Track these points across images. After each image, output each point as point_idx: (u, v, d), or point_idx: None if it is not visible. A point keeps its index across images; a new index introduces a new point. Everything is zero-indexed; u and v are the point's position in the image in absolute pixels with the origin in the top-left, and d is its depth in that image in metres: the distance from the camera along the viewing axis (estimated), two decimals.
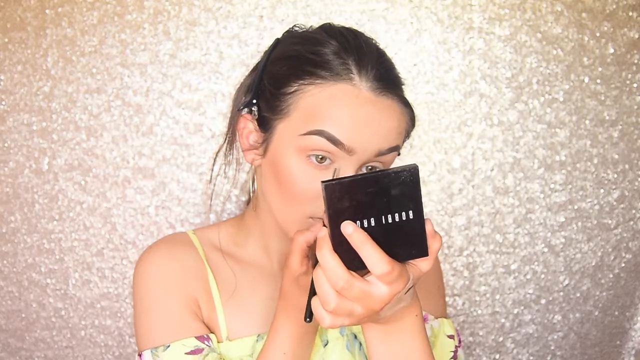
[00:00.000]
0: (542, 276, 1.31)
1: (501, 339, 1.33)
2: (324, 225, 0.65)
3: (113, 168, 1.21)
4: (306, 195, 0.76)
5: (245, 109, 0.83)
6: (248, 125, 0.83)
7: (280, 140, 0.78)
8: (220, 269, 0.89)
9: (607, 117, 1.26)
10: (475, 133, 1.24)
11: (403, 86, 0.82)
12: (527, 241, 1.29)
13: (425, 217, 0.65)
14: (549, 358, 1.36)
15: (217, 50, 1.18)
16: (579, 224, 1.30)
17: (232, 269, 0.90)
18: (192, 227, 1.23)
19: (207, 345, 0.83)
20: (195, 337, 0.83)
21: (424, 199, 1.23)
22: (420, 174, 1.19)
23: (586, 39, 1.23)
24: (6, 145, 1.21)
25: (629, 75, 1.25)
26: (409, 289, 0.68)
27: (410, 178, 0.63)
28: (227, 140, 0.91)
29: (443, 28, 1.20)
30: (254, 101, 0.82)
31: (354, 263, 0.64)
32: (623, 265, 1.33)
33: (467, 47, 1.21)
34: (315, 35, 0.81)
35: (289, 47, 0.82)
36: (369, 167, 0.78)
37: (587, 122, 1.26)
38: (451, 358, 0.92)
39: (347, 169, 0.75)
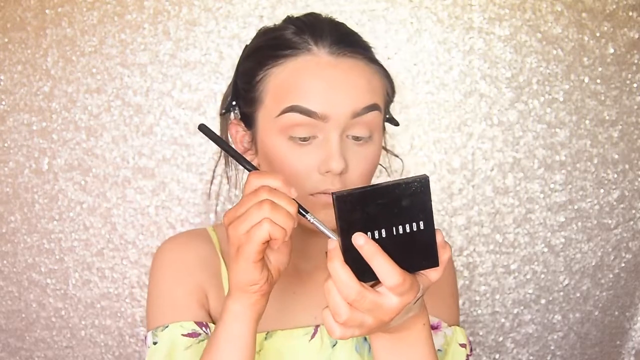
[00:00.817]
0: (542, 276, 1.31)
1: (501, 338, 1.33)
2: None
3: (113, 168, 1.21)
4: (299, 175, 0.77)
5: (230, 114, 0.86)
6: (239, 130, 0.85)
7: (262, 129, 0.80)
8: None
9: (607, 117, 1.26)
10: (475, 133, 1.24)
11: (372, 49, 0.83)
12: (527, 241, 1.29)
13: (436, 228, 0.65)
14: (549, 358, 1.36)
15: (217, 50, 1.18)
16: (579, 224, 1.30)
17: None
18: (192, 227, 1.23)
19: (204, 331, 0.84)
20: (195, 322, 0.84)
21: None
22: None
23: (586, 39, 1.23)
24: (6, 145, 1.21)
25: (629, 75, 1.25)
26: (418, 298, 0.67)
27: (420, 189, 0.63)
28: (221, 155, 0.94)
29: (443, 28, 1.20)
30: (234, 103, 0.85)
31: (365, 274, 0.63)
32: (623, 265, 1.33)
33: (467, 47, 1.21)
34: (275, 26, 0.84)
35: (253, 43, 0.85)
36: (354, 137, 0.77)
37: (587, 122, 1.26)
38: None
39: (330, 139, 0.76)
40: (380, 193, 0.62)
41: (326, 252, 0.65)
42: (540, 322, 1.33)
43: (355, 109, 0.76)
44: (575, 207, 1.29)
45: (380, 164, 1.02)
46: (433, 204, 0.67)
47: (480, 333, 1.32)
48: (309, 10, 1.17)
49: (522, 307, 1.32)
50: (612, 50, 1.24)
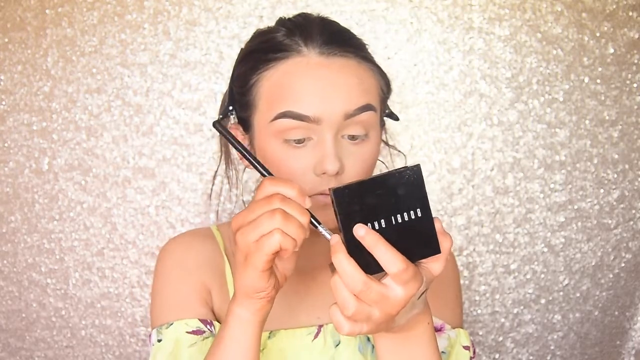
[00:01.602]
0: (542, 276, 1.31)
1: (501, 338, 1.33)
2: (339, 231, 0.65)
3: (113, 168, 1.21)
4: (295, 177, 0.77)
5: (229, 119, 0.86)
6: (237, 134, 0.85)
7: (258, 133, 0.80)
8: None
9: (607, 117, 1.26)
10: (475, 133, 1.24)
11: (367, 47, 0.83)
12: (527, 241, 1.29)
13: (434, 216, 0.66)
14: (548, 358, 1.36)
15: (217, 50, 1.18)
16: (579, 224, 1.30)
17: None
18: (192, 227, 1.23)
19: (209, 329, 0.84)
20: (199, 320, 0.84)
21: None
22: None
23: (586, 39, 1.23)
24: (6, 145, 1.21)
25: (629, 75, 1.25)
26: (422, 293, 0.67)
27: (413, 177, 0.64)
28: (221, 157, 0.95)
29: (443, 28, 1.20)
30: (230, 107, 0.85)
31: (369, 267, 0.64)
32: (623, 265, 1.33)
33: (467, 47, 1.21)
34: (267, 29, 0.84)
35: (246, 46, 0.85)
36: (350, 136, 0.77)
37: (587, 122, 1.26)
38: None
39: (324, 141, 0.76)
40: (375, 184, 0.64)
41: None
42: (540, 322, 1.33)
43: (348, 110, 0.76)
44: (575, 207, 1.29)
45: (381, 160, 1.02)
46: (431, 202, 0.68)
47: (480, 333, 1.32)
48: (309, 11, 1.17)
49: (522, 307, 1.32)
50: (612, 50, 1.24)
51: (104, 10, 1.16)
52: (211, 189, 1.20)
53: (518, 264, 1.30)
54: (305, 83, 0.76)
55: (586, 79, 1.24)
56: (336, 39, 0.78)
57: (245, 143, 0.84)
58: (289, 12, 1.17)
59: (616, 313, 1.36)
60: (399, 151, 1.04)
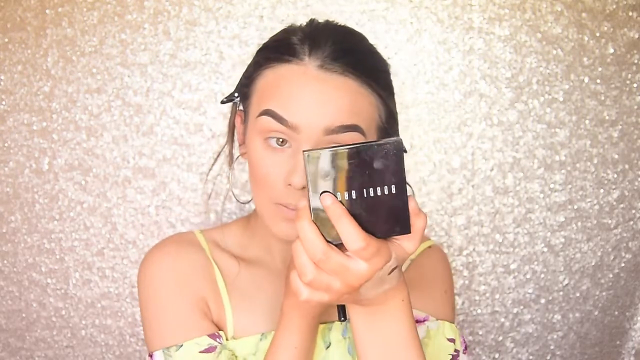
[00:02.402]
0: (542, 276, 1.31)
1: (501, 338, 1.33)
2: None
3: (113, 168, 1.21)
4: (267, 181, 0.77)
5: (237, 106, 0.87)
6: (239, 121, 0.87)
7: (248, 127, 0.81)
8: (227, 269, 0.90)
9: (607, 117, 1.26)
10: (475, 133, 1.24)
11: (386, 73, 0.82)
12: (527, 241, 1.29)
13: (409, 194, 0.64)
14: (548, 358, 1.36)
15: (217, 50, 1.18)
16: (579, 223, 1.30)
17: (238, 268, 0.90)
18: (192, 227, 1.23)
19: (219, 342, 0.84)
20: (208, 335, 0.83)
21: (424, 198, 1.23)
22: (420, 174, 1.19)
23: (586, 39, 1.23)
24: (6, 145, 1.21)
25: (629, 75, 1.25)
26: (393, 269, 0.66)
27: (393, 151, 0.62)
28: (227, 141, 0.94)
29: (443, 28, 1.20)
30: (236, 94, 0.86)
31: (332, 235, 0.63)
32: (623, 265, 1.33)
33: (467, 47, 1.21)
34: (290, 28, 0.83)
35: (267, 40, 0.85)
36: None
37: (587, 122, 1.26)
38: None
39: (298, 150, 0.75)
40: (351, 153, 0.62)
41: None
42: (540, 321, 1.33)
43: (329, 126, 0.74)
44: (575, 207, 1.29)
45: None
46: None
47: (480, 333, 1.32)
48: (309, 11, 1.18)
49: (521, 307, 1.32)
50: (612, 50, 1.24)
51: (104, 10, 1.16)
52: (207, 176, 1.19)
53: (518, 263, 1.30)
54: (294, 90, 0.75)
55: (586, 79, 1.24)
56: (345, 57, 0.77)
57: (241, 130, 0.86)
58: (289, 12, 1.17)
59: (616, 313, 1.36)
60: None
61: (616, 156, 1.28)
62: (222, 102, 0.88)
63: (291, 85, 0.76)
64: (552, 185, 1.27)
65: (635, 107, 1.27)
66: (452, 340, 0.90)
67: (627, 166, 1.29)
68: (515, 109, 1.24)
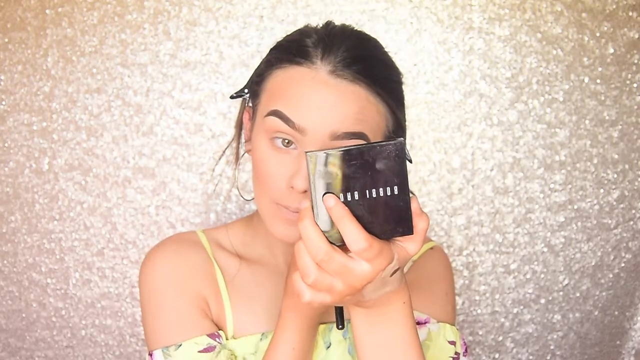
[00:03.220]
0: (542, 276, 1.31)
1: (501, 338, 1.33)
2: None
3: (113, 168, 1.21)
4: (271, 181, 0.77)
5: (246, 102, 0.87)
6: (247, 118, 0.87)
7: (256, 125, 0.81)
8: (228, 268, 0.90)
9: (607, 117, 1.26)
10: (475, 133, 1.24)
11: (399, 84, 0.81)
12: (527, 241, 1.29)
13: (411, 195, 0.64)
14: (548, 358, 1.36)
15: (217, 50, 1.18)
16: (579, 224, 1.30)
17: (239, 268, 0.90)
18: (192, 227, 1.23)
19: (218, 342, 0.84)
20: (207, 335, 0.84)
21: (424, 198, 1.23)
22: (420, 174, 1.19)
23: (586, 39, 1.23)
24: (6, 145, 1.21)
25: (629, 75, 1.25)
26: (395, 271, 0.66)
27: (395, 152, 0.62)
28: (223, 153, 0.96)
29: (443, 28, 1.20)
30: (245, 90, 0.85)
31: (334, 237, 0.63)
32: (623, 265, 1.33)
33: (467, 47, 1.21)
34: (308, 28, 0.83)
35: (283, 38, 0.85)
36: None
37: (587, 122, 1.26)
38: None
39: (303, 153, 0.75)
40: (354, 154, 0.62)
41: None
42: (540, 321, 1.33)
43: (335, 132, 0.74)
44: (575, 207, 1.29)
45: None
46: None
47: (480, 333, 1.32)
48: (309, 11, 1.18)
49: (521, 307, 1.32)
50: (612, 50, 1.24)
51: (104, 10, 1.16)
52: (213, 172, 1.20)
53: (518, 264, 1.30)
54: (303, 93, 0.75)
55: (586, 79, 1.24)
56: (354, 64, 0.76)
57: (248, 127, 0.86)
58: (289, 12, 1.17)
59: (616, 313, 1.36)
60: None
61: (616, 156, 1.28)
62: (232, 97, 0.87)
63: (300, 88, 0.76)
64: (552, 185, 1.27)
65: (635, 107, 1.27)
66: (453, 343, 0.90)
67: (627, 166, 1.29)
68: (515, 109, 1.24)
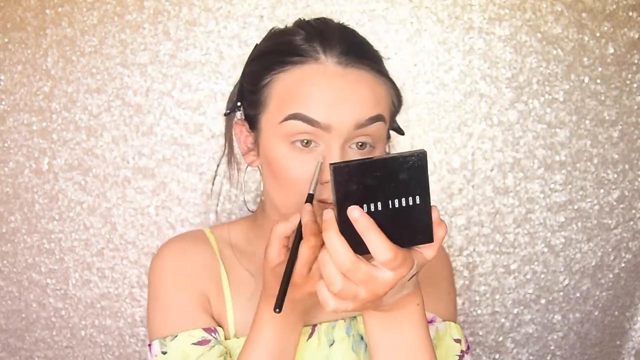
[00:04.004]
0: (542, 276, 1.31)
1: (501, 338, 1.33)
2: (332, 208, 0.65)
3: (113, 168, 1.21)
4: (300, 181, 0.77)
5: (236, 114, 0.87)
6: (243, 130, 0.86)
7: (265, 133, 0.80)
8: (233, 267, 0.91)
9: (607, 117, 1.26)
10: (475, 133, 1.24)
11: (383, 59, 0.83)
12: (527, 241, 1.29)
13: (432, 204, 0.65)
14: (548, 358, 1.36)
15: (217, 50, 1.18)
16: (579, 224, 1.30)
17: (244, 267, 0.91)
18: (192, 227, 1.23)
19: (213, 337, 0.85)
20: (203, 329, 0.84)
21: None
22: None
23: (586, 39, 1.23)
24: (6, 145, 1.21)
25: (629, 75, 1.25)
26: (413, 275, 0.68)
27: (418, 163, 0.63)
28: (225, 152, 0.95)
29: (443, 28, 1.20)
30: (238, 103, 0.86)
31: (359, 246, 0.64)
32: (623, 265, 1.33)
33: (467, 47, 1.21)
34: (285, 29, 0.84)
35: (262, 45, 0.85)
36: (359, 144, 0.78)
37: (587, 122, 1.26)
38: None
39: (331, 148, 0.76)
40: (377, 166, 0.63)
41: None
42: (540, 322, 1.33)
43: (359, 120, 0.76)
44: (575, 207, 1.29)
45: None
46: (433, 203, 0.67)
47: (480, 333, 1.32)
48: (309, 11, 1.18)
49: (522, 307, 1.32)
50: (612, 50, 1.24)
51: (104, 10, 1.16)
52: (211, 190, 1.20)
53: (518, 264, 1.30)
54: (320, 90, 0.76)
55: (586, 79, 1.24)
56: (354, 50, 0.78)
57: (250, 140, 0.85)
58: (289, 12, 1.17)
59: (616, 313, 1.36)
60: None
61: (616, 156, 1.28)
62: (226, 114, 0.88)
63: (313, 86, 0.76)
64: (552, 186, 1.27)
65: (635, 107, 1.27)
66: (458, 341, 0.91)
67: (627, 166, 1.29)
68: (515, 109, 1.24)
